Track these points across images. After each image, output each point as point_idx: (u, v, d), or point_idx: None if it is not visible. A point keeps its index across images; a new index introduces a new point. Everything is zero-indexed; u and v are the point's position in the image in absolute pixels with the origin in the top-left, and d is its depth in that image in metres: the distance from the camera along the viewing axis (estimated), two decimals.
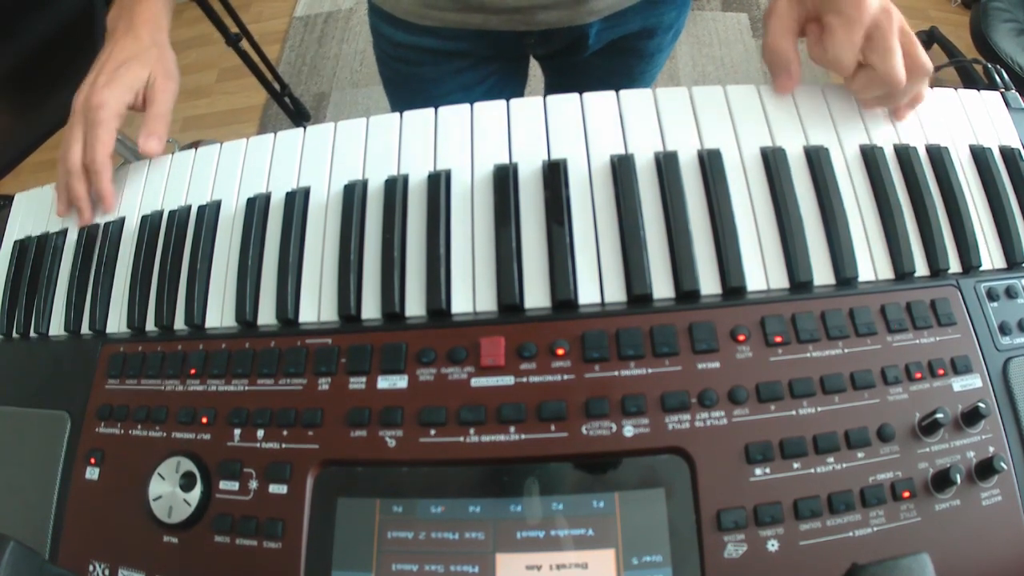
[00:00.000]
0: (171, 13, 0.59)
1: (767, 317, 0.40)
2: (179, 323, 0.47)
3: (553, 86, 0.88)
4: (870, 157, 0.45)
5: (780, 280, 0.42)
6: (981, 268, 0.42)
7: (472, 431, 0.38)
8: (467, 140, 0.48)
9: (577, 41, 0.69)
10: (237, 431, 0.41)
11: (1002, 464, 0.35)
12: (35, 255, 0.54)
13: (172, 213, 0.50)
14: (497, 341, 0.40)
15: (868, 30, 0.42)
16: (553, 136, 0.47)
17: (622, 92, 0.48)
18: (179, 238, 0.49)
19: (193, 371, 0.44)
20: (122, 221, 0.52)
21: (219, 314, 0.46)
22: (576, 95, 0.48)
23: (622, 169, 0.44)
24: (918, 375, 0.38)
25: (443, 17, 0.65)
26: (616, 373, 0.39)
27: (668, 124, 0.47)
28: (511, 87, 0.80)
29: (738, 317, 0.40)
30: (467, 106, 0.49)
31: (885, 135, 0.46)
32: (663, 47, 0.77)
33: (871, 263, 0.42)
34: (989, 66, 0.54)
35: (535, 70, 0.85)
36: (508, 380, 0.39)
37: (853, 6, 0.41)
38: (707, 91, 0.48)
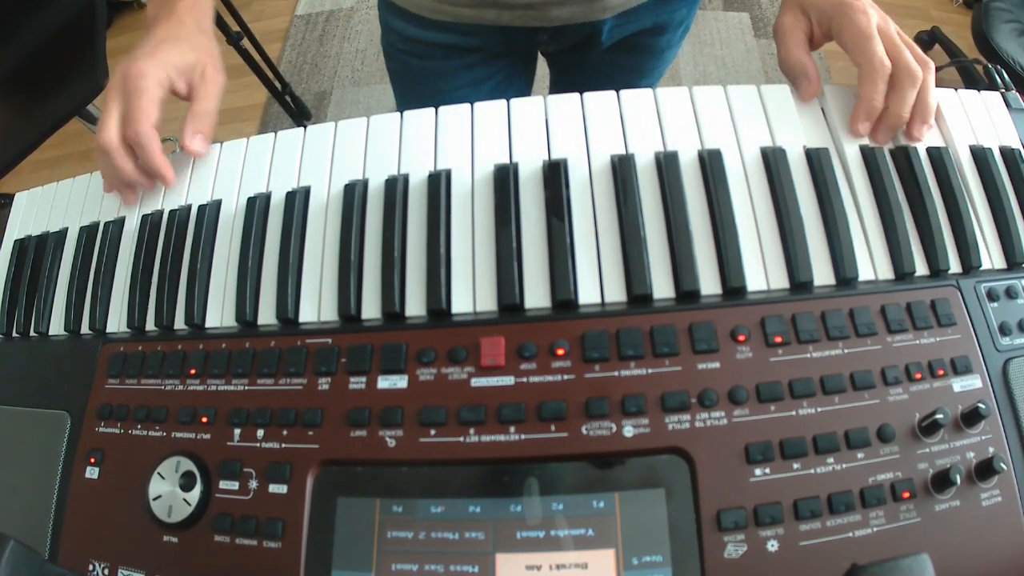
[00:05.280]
0: (214, 5, 0.56)
1: (767, 317, 0.40)
2: (179, 323, 0.47)
3: (560, 83, 0.87)
4: (870, 157, 0.45)
5: (780, 280, 0.41)
6: (981, 268, 0.42)
7: (472, 431, 0.38)
8: (467, 140, 0.48)
9: (589, 37, 0.68)
10: (237, 431, 0.41)
11: (1002, 464, 0.35)
12: (35, 254, 0.54)
13: (172, 212, 0.50)
14: (497, 341, 0.40)
15: (885, 43, 0.44)
16: (554, 136, 0.47)
17: (622, 92, 0.48)
18: (179, 238, 0.49)
19: (193, 371, 0.44)
20: (122, 220, 0.52)
21: (219, 314, 0.46)
22: (576, 95, 0.48)
23: (622, 169, 0.44)
24: (918, 375, 0.38)
25: (457, 12, 0.65)
26: (616, 373, 0.39)
27: (669, 124, 0.47)
28: (519, 83, 0.80)
29: (738, 317, 0.40)
30: (467, 106, 0.49)
31: None
32: (673, 43, 0.77)
33: (871, 263, 0.42)
34: (990, 66, 0.54)
35: (542, 69, 0.85)
36: (508, 380, 0.39)
37: (859, 14, 0.44)
38: (708, 91, 0.48)
